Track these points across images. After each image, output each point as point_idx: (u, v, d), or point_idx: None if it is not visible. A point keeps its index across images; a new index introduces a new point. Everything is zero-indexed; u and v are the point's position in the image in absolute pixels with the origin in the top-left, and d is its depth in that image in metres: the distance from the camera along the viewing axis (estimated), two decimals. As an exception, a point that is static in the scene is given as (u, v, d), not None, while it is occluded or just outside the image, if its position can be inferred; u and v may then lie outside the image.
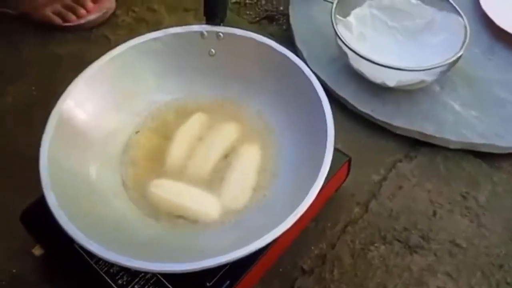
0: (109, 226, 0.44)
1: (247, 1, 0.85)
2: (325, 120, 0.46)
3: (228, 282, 0.46)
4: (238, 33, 0.54)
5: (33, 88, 0.71)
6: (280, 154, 0.52)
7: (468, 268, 0.53)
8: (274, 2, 0.85)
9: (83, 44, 0.77)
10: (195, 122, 0.55)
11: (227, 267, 0.46)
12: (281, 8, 0.84)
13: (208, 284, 0.46)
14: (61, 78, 0.51)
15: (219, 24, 0.54)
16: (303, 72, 0.50)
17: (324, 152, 0.44)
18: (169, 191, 0.49)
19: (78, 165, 0.47)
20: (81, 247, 0.44)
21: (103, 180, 0.48)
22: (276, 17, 0.82)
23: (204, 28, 0.54)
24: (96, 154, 0.49)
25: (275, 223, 0.41)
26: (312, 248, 0.55)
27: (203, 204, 0.49)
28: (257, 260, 0.47)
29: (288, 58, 0.51)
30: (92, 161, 0.48)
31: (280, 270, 0.54)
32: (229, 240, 0.45)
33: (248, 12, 0.84)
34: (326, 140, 0.45)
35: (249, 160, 0.51)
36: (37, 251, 0.50)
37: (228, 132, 0.54)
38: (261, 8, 0.84)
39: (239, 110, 0.55)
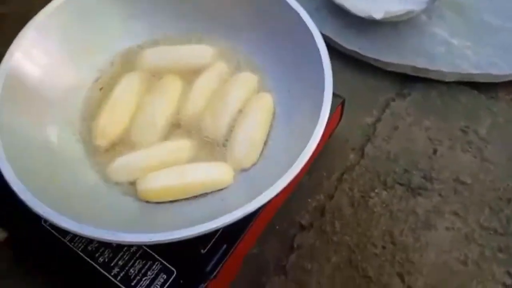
0: (79, 198, 0.38)
1: None
2: (319, 55, 0.41)
3: (225, 246, 0.41)
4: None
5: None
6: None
7: (476, 205, 0.50)
8: None
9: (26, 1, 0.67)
10: (171, 82, 0.47)
11: (221, 230, 0.41)
12: None
13: (202, 251, 0.41)
14: (6, 39, 0.43)
15: None
16: (290, 6, 0.44)
17: (323, 90, 0.39)
18: (163, 178, 0.40)
19: (35, 130, 0.40)
20: (51, 225, 0.38)
21: (65, 146, 0.41)
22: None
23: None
24: (55, 116, 0.42)
25: (275, 176, 0.36)
26: (309, 201, 0.51)
27: (216, 173, 0.42)
28: (254, 219, 0.43)
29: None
30: (51, 124, 0.41)
31: (277, 227, 0.49)
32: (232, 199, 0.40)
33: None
34: (324, 75, 0.40)
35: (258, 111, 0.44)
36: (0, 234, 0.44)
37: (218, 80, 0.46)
38: None
39: (222, 52, 0.48)
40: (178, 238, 0.34)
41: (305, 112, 0.41)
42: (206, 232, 0.34)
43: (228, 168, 0.42)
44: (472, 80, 0.57)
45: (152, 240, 0.34)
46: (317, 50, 0.42)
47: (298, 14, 0.44)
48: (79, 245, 0.41)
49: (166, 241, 0.34)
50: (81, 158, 0.42)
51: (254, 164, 0.43)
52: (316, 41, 0.42)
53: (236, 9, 0.47)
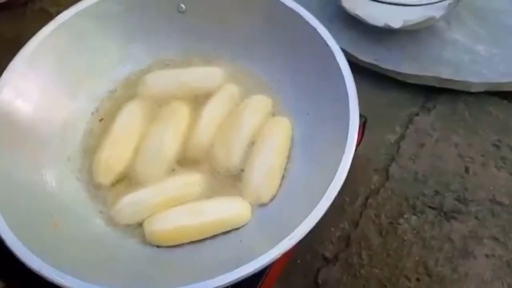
0: (81, 249, 0.34)
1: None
2: (340, 71, 0.38)
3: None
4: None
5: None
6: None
7: (517, 228, 0.45)
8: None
9: (18, 23, 0.63)
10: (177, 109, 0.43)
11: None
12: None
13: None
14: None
15: None
16: (306, 21, 0.40)
17: (348, 111, 0.35)
18: (174, 217, 0.37)
19: (31, 174, 0.36)
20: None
21: (65, 188, 0.37)
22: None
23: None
24: (52, 156, 0.38)
25: (299, 212, 0.32)
26: (332, 230, 0.47)
27: (232, 210, 0.38)
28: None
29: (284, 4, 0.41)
30: (48, 165, 0.37)
31: (298, 261, 0.45)
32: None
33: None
34: (348, 99, 0.36)
35: (274, 139, 0.40)
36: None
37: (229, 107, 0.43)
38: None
39: (232, 74, 0.45)
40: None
41: (328, 137, 0.37)
42: (227, 285, 0.30)
43: (245, 203, 0.38)
44: (501, 90, 0.53)
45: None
46: (338, 67, 0.38)
47: (314, 28, 0.40)
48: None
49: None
50: (82, 200, 0.38)
51: (273, 198, 0.38)
52: (336, 56, 0.39)
53: (245, 24, 0.43)
